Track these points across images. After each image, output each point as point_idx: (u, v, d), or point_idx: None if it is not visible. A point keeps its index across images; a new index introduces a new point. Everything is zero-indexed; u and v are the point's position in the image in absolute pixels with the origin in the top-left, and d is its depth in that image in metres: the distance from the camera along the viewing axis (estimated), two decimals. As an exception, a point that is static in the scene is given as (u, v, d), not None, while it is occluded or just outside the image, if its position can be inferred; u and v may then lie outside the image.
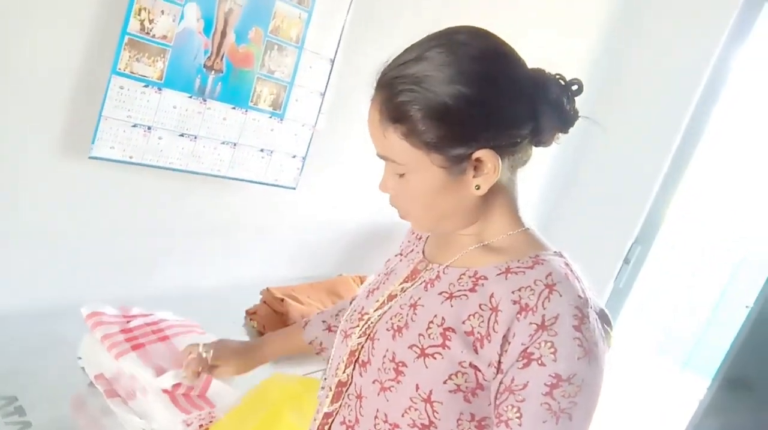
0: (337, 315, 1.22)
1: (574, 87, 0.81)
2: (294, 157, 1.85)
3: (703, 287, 4.07)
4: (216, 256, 1.84)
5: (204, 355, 1.17)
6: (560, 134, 0.83)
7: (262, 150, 1.75)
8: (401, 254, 0.99)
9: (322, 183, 2.00)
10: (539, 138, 0.81)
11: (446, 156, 0.76)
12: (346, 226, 2.18)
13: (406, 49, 0.78)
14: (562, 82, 0.81)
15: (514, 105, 0.77)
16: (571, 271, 0.77)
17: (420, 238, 0.98)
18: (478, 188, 0.78)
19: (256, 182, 1.79)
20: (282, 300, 1.69)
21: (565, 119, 0.81)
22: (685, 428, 2.05)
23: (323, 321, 1.22)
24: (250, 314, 1.71)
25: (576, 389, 0.69)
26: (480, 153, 0.76)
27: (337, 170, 2.02)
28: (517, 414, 0.70)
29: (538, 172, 2.74)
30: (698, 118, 2.82)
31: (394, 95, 0.75)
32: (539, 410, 0.69)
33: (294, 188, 1.89)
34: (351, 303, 1.19)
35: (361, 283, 2.00)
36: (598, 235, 3.04)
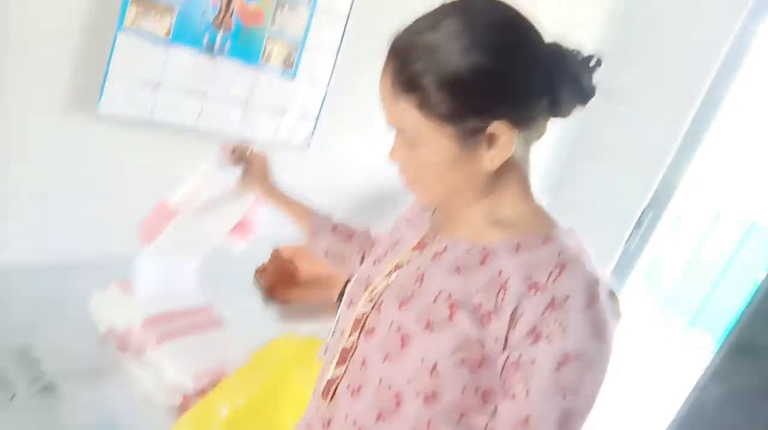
0: (347, 228, 1.25)
1: (592, 62, 0.78)
2: (306, 117, 1.83)
3: (713, 248, 4.07)
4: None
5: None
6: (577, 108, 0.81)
7: (273, 109, 1.73)
8: (408, 223, 0.98)
9: (334, 144, 1.98)
10: (556, 111, 0.79)
11: (460, 128, 0.74)
12: (358, 188, 2.17)
13: (421, 17, 0.76)
14: (580, 57, 0.78)
15: (530, 78, 0.74)
16: (582, 250, 0.76)
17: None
18: (490, 163, 0.77)
19: (266, 142, 1.78)
20: (291, 260, 1.69)
21: (582, 95, 0.79)
22: (691, 390, 2.06)
23: (334, 225, 1.26)
24: (259, 272, 1.73)
25: (584, 366, 0.69)
26: (494, 126, 0.74)
27: (350, 131, 2.00)
28: (525, 389, 0.70)
29: (551, 133, 2.71)
30: (718, 84, 2.75)
31: (408, 64, 0.73)
32: (547, 386, 0.69)
33: (306, 149, 1.88)
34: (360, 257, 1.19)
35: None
36: (611, 199, 3.01)
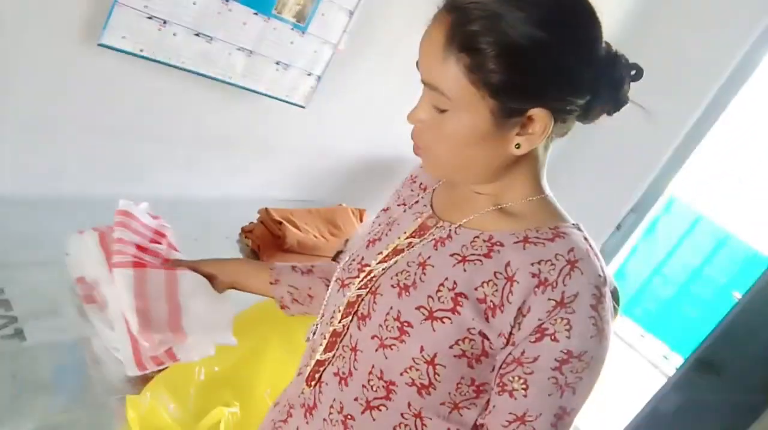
0: (310, 266, 1.09)
1: (634, 72, 0.75)
2: (310, 74, 1.75)
3: (680, 257, 4.15)
4: (214, 167, 1.77)
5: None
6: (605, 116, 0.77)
7: (278, 62, 1.65)
8: (404, 204, 0.92)
9: (334, 106, 1.91)
10: (588, 113, 0.75)
11: (503, 104, 0.69)
12: (352, 154, 2.11)
13: None
14: (626, 64, 0.75)
15: (583, 70, 0.70)
16: (591, 247, 0.74)
17: (425, 188, 0.91)
18: (518, 147, 0.73)
19: (266, 95, 1.70)
20: (280, 223, 1.64)
21: (618, 102, 0.76)
22: (650, 399, 2.11)
23: (292, 265, 1.09)
24: (246, 232, 1.67)
25: (584, 365, 0.68)
26: (535, 111, 0.70)
27: (351, 96, 1.93)
28: (524, 385, 0.69)
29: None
30: (717, 102, 2.74)
31: (468, 22, 0.67)
32: (546, 384, 0.68)
33: (304, 107, 1.81)
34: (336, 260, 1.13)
35: (360, 217, 1.95)
36: (595, 198, 3.01)
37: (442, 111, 0.72)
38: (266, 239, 1.62)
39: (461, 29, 0.67)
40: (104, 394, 1.12)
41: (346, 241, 1.66)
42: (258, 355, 1.13)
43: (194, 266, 1.05)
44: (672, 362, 3.86)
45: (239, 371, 1.11)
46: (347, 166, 2.12)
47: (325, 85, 1.79)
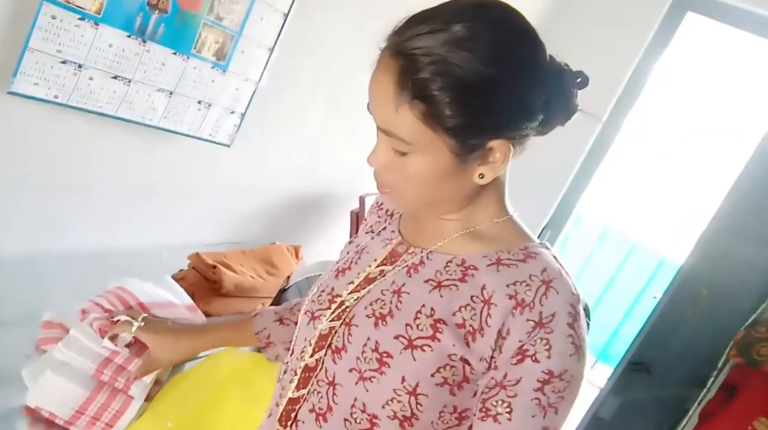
0: (291, 309, 1.09)
1: (579, 79, 0.78)
2: (233, 113, 1.72)
3: (597, 268, 4.34)
4: (138, 214, 1.68)
5: (134, 324, 1.00)
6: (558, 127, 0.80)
7: (199, 102, 1.61)
8: (372, 232, 0.92)
9: (259, 144, 1.88)
10: (543, 129, 0.77)
11: (463, 143, 0.71)
12: (281, 191, 2.07)
13: (430, 14, 0.69)
14: (571, 74, 0.77)
15: (535, 95, 0.73)
16: (561, 265, 0.76)
17: (392, 215, 0.92)
18: (482, 177, 0.74)
19: (189, 136, 1.65)
20: (214, 267, 1.57)
21: (569, 112, 0.78)
22: (590, 404, 2.17)
23: (275, 312, 1.08)
24: (178, 280, 1.58)
25: (565, 384, 0.70)
26: (494, 143, 0.72)
27: (276, 132, 1.90)
28: (507, 409, 0.69)
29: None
30: (616, 116, 2.94)
31: (417, 69, 0.67)
32: (529, 406, 0.69)
33: (229, 146, 1.77)
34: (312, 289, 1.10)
35: (296, 253, 1.91)
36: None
37: (403, 154, 0.73)
38: (201, 285, 1.55)
39: (411, 77, 0.68)
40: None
41: (288, 277, 1.61)
42: (216, 406, 1.06)
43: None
44: (598, 372, 4.00)
45: (196, 425, 1.04)
46: (277, 203, 2.08)
47: (249, 123, 1.76)
